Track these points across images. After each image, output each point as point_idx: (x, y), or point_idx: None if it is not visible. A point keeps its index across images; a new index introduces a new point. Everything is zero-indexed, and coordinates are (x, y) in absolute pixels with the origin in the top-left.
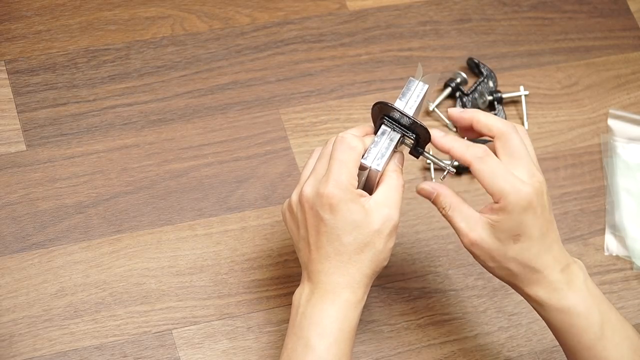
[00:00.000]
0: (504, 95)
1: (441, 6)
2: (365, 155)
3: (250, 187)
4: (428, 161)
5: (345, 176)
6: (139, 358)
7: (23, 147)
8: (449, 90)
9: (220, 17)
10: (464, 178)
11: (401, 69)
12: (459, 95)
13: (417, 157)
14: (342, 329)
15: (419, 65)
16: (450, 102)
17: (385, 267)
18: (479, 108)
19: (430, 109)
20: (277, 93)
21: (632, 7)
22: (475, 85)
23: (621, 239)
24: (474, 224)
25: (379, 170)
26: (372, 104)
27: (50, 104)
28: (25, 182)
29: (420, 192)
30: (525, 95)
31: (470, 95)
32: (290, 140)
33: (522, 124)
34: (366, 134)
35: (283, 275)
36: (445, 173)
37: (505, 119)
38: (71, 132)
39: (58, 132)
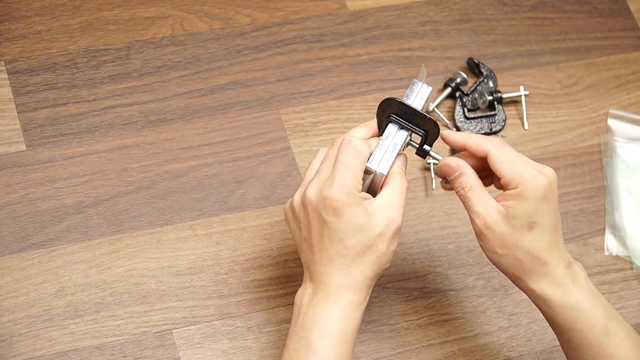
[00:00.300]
0: (504, 95)
1: (441, 6)
2: (370, 158)
3: (250, 187)
4: (429, 161)
5: (350, 180)
6: (139, 358)
7: (23, 147)
8: (449, 90)
9: (220, 17)
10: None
11: (401, 69)
12: (459, 95)
13: (424, 157)
14: (344, 330)
15: (423, 67)
16: (450, 102)
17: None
18: (478, 108)
19: (430, 109)
20: (277, 93)
21: (632, 7)
22: (475, 85)
23: (621, 239)
24: (490, 209)
25: (384, 174)
26: (373, 104)
27: (50, 104)
28: (25, 182)
29: (442, 168)
30: (525, 95)
31: (470, 95)
32: (290, 140)
33: (522, 124)
34: (372, 134)
35: (283, 275)
36: None
37: (505, 119)
38: (71, 132)
39: (58, 132)
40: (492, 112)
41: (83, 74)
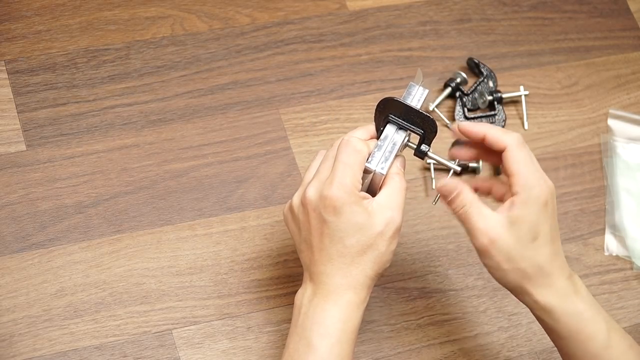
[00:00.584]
0: (504, 95)
1: (441, 6)
2: (370, 158)
3: (250, 187)
4: (429, 161)
5: (349, 179)
6: (139, 358)
7: (23, 147)
8: (449, 90)
9: (220, 17)
10: (464, 178)
11: (401, 69)
12: (459, 95)
13: (422, 158)
14: (345, 330)
15: (419, 70)
16: (450, 102)
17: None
18: (478, 108)
19: (430, 108)
20: (277, 93)
21: (632, 7)
22: (475, 85)
23: (621, 239)
24: (493, 223)
25: (383, 174)
26: (373, 104)
27: (50, 104)
28: (25, 182)
29: (441, 190)
30: (525, 95)
31: (470, 95)
32: (290, 140)
33: (522, 124)
34: (370, 136)
35: (283, 275)
36: (450, 173)
37: (505, 119)
38: (71, 132)
39: (58, 132)
40: (492, 112)
41: (83, 74)
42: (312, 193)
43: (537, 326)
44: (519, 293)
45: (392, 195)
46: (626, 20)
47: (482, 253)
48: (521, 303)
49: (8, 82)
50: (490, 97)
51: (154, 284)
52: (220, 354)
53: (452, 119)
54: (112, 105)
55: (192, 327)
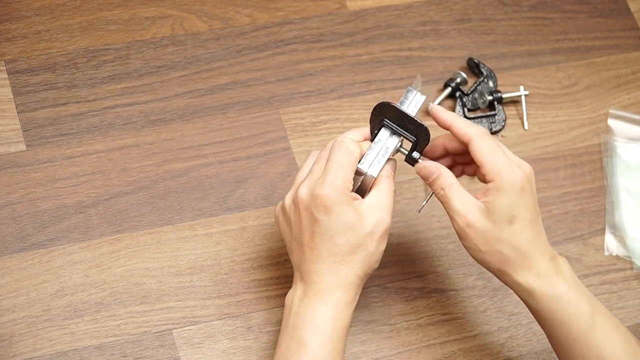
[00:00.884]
0: (504, 95)
1: (441, 6)
2: (362, 160)
3: (250, 187)
4: None
5: (341, 179)
6: (139, 358)
7: (23, 147)
8: (449, 90)
9: (220, 17)
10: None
11: (401, 69)
12: (459, 95)
13: (413, 165)
14: (335, 328)
15: (418, 76)
16: (450, 102)
17: (386, 267)
18: (478, 108)
19: (430, 108)
20: (277, 93)
21: (632, 7)
22: (475, 85)
23: (621, 239)
24: (470, 207)
25: (374, 177)
26: (372, 104)
27: (50, 104)
28: (25, 182)
29: (420, 171)
30: (525, 95)
31: (470, 95)
32: (290, 140)
33: (522, 124)
34: (364, 138)
35: (283, 275)
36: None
37: (505, 119)
38: (71, 132)
39: (58, 132)
40: (492, 112)
41: (83, 74)
42: (304, 192)
43: (537, 326)
44: (499, 275)
45: (381, 197)
46: (626, 20)
47: (460, 235)
48: (521, 303)
49: (8, 82)
50: (490, 97)
51: (154, 284)
52: (220, 354)
53: None
54: (112, 105)
55: (192, 327)
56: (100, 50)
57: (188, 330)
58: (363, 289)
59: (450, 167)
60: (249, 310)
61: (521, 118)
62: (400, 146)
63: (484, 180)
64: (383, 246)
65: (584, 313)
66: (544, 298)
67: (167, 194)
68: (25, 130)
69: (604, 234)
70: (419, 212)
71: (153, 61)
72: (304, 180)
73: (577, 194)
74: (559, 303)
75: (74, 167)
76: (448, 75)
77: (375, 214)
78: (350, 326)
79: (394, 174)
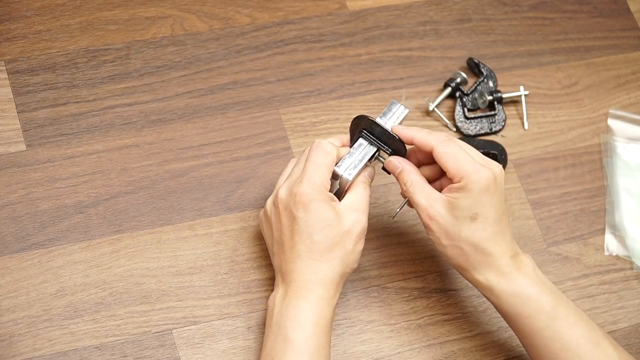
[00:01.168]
0: (504, 95)
1: (441, 6)
2: (339, 163)
3: (250, 187)
4: None
5: (318, 177)
6: (139, 358)
7: (23, 147)
8: (449, 90)
9: (220, 17)
10: None
11: (401, 69)
12: (459, 95)
13: (389, 173)
14: (318, 323)
15: (404, 90)
16: (450, 102)
17: (386, 267)
18: (478, 108)
19: (430, 109)
20: (277, 93)
21: (632, 7)
22: (475, 85)
23: (621, 239)
24: (433, 201)
25: (349, 180)
26: (373, 104)
27: (50, 104)
28: (25, 182)
29: (386, 166)
30: (525, 95)
31: (470, 95)
32: (290, 140)
33: (522, 124)
34: (342, 145)
35: None
36: None
37: (505, 119)
38: (71, 132)
39: (58, 132)
40: (492, 112)
41: (83, 74)
42: (283, 192)
43: None
44: (461, 272)
45: (356, 199)
46: (626, 20)
47: (425, 227)
48: None
49: (8, 82)
50: (490, 97)
51: (154, 284)
52: (220, 354)
53: (452, 119)
54: (112, 105)
55: (192, 327)
56: (100, 50)
57: (188, 330)
58: (363, 288)
59: (436, 179)
60: (249, 310)
61: (521, 118)
62: (379, 155)
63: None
64: (360, 246)
65: (545, 306)
66: (504, 294)
67: (167, 194)
68: (25, 130)
69: (604, 234)
70: (393, 218)
71: (153, 61)
72: (284, 182)
73: (577, 194)
74: (520, 298)
75: (74, 167)
76: (448, 75)
77: (351, 214)
78: (350, 326)
79: (371, 180)
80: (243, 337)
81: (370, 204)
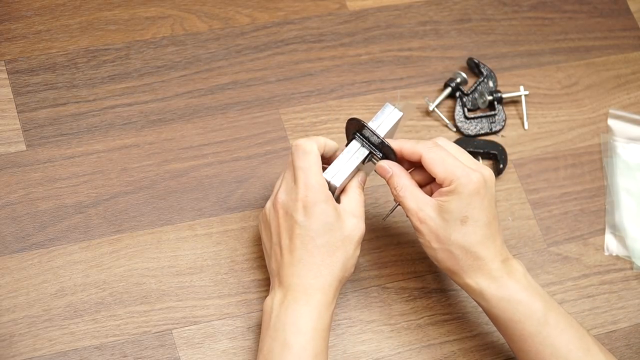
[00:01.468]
0: (504, 95)
1: (441, 6)
2: (328, 169)
3: (250, 187)
4: None
5: (312, 179)
6: (139, 358)
7: (23, 147)
8: (449, 90)
9: (220, 17)
10: None
11: (401, 69)
12: (459, 95)
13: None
14: (317, 328)
15: (398, 93)
16: (450, 102)
17: (386, 267)
18: (478, 108)
19: (430, 109)
20: (277, 93)
21: (632, 7)
22: (475, 85)
23: (621, 239)
24: (423, 204)
25: (336, 186)
26: (372, 104)
27: (50, 104)
28: (25, 182)
29: (377, 170)
30: (525, 95)
31: (470, 95)
32: (290, 140)
33: (522, 124)
34: (317, 146)
35: None
36: None
37: (505, 119)
38: (71, 132)
39: (58, 132)
40: (492, 112)
41: (83, 74)
42: (282, 197)
43: None
44: (451, 276)
45: (354, 204)
46: (626, 20)
47: (416, 231)
48: None
49: (8, 82)
50: (490, 97)
51: (154, 284)
52: (220, 354)
53: (452, 119)
54: (112, 105)
55: (192, 327)
56: (100, 50)
57: (188, 330)
58: (363, 288)
59: (427, 184)
60: (249, 310)
61: (521, 118)
62: (372, 158)
63: None
64: (358, 252)
65: (536, 311)
66: (494, 299)
67: (167, 194)
68: (25, 130)
69: (604, 234)
70: (384, 220)
71: (153, 61)
72: (280, 186)
73: (577, 194)
74: (510, 303)
75: (74, 167)
76: (448, 75)
77: (351, 218)
78: (351, 326)
79: (363, 185)
80: (243, 337)
81: (370, 204)
